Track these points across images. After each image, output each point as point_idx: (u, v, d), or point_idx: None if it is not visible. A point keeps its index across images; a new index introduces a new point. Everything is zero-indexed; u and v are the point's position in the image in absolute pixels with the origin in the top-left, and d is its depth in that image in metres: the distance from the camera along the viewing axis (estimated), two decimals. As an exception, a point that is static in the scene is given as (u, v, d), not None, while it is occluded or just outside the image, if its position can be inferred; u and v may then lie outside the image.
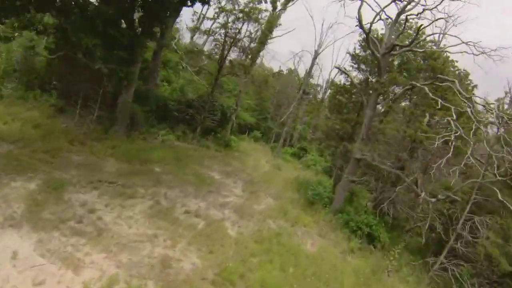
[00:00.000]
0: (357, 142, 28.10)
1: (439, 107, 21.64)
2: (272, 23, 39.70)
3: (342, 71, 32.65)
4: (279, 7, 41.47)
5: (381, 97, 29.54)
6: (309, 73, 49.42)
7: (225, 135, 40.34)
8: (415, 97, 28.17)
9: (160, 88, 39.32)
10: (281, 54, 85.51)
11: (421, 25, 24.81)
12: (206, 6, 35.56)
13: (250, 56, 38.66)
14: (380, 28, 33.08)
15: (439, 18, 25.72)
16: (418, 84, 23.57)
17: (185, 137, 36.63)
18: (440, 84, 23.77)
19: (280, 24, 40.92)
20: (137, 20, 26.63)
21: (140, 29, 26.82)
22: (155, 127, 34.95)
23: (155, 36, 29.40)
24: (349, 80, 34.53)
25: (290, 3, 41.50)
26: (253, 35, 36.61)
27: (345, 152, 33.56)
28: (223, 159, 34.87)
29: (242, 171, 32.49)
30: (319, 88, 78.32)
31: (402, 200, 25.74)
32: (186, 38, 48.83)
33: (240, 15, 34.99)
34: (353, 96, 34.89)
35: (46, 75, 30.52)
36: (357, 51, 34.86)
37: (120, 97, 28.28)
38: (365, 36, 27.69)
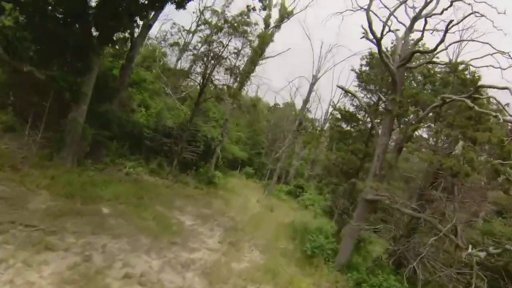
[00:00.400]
0: (368, 178, 21.79)
1: (499, 120, 15.44)
2: (264, 40, 34.17)
3: (346, 91, 26.64)
4: (272, 24, 35.98)
5: (397, 121, 23.47)
6: (306, 101, 43.50)
7: (208, 170, 34.08)
8: (440, 119, 21.95)
9: (137, 113, 33.33)
10: (276, 82, 79.89)
11: (451, 21, 18.96)
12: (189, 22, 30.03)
13: (238, 78, 32.80)
14: (389, 41, 27.30)
15: (471, 14, 19.99)
16: (455, 97, 17.47)
17: (160, 171, 30.60)
18: (480, 97, 17.72)
19: (272, 41, 35.43)
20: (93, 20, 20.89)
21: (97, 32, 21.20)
22: (123, 158, 29.05)
23: (115, 42, 23.58)
24: (354, 103, 28.67)
25: (285, 20, 36.02)
26: (241, 52, 30.70)
27: (351, 191, 27.22)
28: (203, 198, 28.44)
29: (224, 214, 26.03)
30: (317, 124, 72.85)
31: (431, 253, 18.99)
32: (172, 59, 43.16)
33: (226, 28, 29.34)
34: (360, 122, 28.84)
35: (3, 89, 24.83)
36: (363, 69, 29.06)
37: (69, 115, 22.16)
38: (374, 47, 22.01)
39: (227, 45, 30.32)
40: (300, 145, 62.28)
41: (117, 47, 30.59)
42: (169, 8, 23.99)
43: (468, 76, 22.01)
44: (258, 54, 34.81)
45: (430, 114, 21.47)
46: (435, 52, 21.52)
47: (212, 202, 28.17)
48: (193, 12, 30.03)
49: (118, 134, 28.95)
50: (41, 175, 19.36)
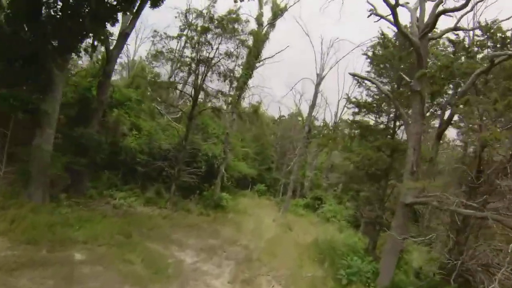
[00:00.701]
0: (405, 178, 17.45)
1: None
2: (258, 38, 30.28)
3: (361, 78, 22.45)
4: (265, 23, 32.10)
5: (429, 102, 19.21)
6: (313, 104, 39.25)
7: (213, 192, 29.85)
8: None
9: (128, 138, 29.34)
10: (278, 91, 75.35)
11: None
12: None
13: (234, 84, 28.78)
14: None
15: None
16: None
17: (158, 200, 26.65)
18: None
19: (268, 38, 31.52)
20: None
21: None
22: (114, 188, 25.38)
23: (77, 51, 19.69)
24: (371, 93, 24.44)
25: (279, 17, 32.10)
26: (234, 53, 26.66)
27: (382, 197, 22.86)
28: (209, 226, 24.18)
29: (235, 243, 21.75)
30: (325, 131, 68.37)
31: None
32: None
33: (213, 28, 25.44)
34: (383, 112, 24.51)
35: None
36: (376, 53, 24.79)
37: (33, 142, 18.26)
38: (384, 27, 18.00)
39: (217, 48, 26.34)
40: (312, 154, 58.00)
41: (96, 63, 26.91)
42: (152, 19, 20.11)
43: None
44: (253, 55, 30.88)
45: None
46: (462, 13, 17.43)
47: (220, 230, 23.87)
48: (176, 17, 25.90)
49: (108, 162, 25.49)
50: (1, 218, 15.39)
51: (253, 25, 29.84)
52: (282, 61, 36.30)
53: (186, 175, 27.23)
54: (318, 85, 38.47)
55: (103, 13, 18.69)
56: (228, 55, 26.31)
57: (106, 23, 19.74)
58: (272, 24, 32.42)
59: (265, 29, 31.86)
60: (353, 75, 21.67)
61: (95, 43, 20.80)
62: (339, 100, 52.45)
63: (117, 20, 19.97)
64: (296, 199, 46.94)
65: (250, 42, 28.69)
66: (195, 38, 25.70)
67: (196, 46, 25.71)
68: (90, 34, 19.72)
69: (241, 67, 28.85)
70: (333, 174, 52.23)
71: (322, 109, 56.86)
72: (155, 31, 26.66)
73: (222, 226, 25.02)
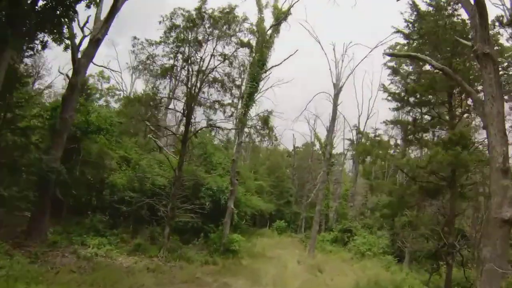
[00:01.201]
0: (492, 181, 11.34)
1: None
2: (262, 43, 25.08)
3: (399, 56, 16.70)
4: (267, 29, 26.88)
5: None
6: (333, 119, 33.24)
7: (221, 234, 23.74)
8: None
9: (114, 174, 23.96)
10: (289, 113, 69.12)
11: None
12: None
13: (238, 95, 23.50)
14: None
15: None
16: None
17: (149, 247, 20.80)
18: None
19: (272, 43, 26.33)
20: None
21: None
22: (92, 233, 20.14)
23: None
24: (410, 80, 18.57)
25: (282, 20, 26.91)
26: (230, 56, 21.21)
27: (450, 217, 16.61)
28: (215, 280, 18.04)
29: (251, 301, 15.54)
30: (342, 159, 62.13)
31: None
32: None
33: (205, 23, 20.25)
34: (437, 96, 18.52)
35: None
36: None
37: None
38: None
39: (212, 54, 20.98)
40: (334, 185, 51.75)
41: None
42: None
43: None
44: (257, 61, 25.53)
45: None
46: None
47: (231, 283, 17.71)
48: (160, 22, 20.58)
49: (93, 202, 22.55)
50: None
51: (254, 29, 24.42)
52: (293, 80, 30.87)
53: (183, 213, 21.32)
54: (336, 96, 32.80)
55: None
56: (224, 57, 20.92)
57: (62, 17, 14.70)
58: (276, 29, 27.11)
59: (268, 33, 26.51)
60: (390, 54, 16.04)
61: (47, 40, 15.48)
62: (359, 116, 46.36)
63: (75, 12, 14.91)
64: (321, 234, 40.46)
65: (251, 42, 23.15)
66: (182, 36, 20.38)
67: (184, 46, 20.35)
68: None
69: (244, 76, 23.39)
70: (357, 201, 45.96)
71: (340, 132, 50.07)
72: (135, 37, 21.34)
73: (233, 277, 18.86)
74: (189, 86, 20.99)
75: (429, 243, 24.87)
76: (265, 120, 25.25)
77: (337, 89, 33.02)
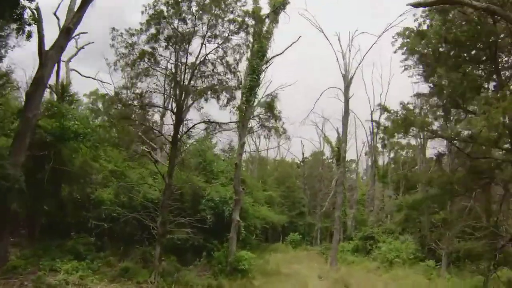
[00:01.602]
0: None
1: None
2: (261, 32, 21.67)
3: (426, 4, 12.94)
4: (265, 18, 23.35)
5: None
6: (346, 114, 29.41)
7: (227, 251, 19.81)
8: None
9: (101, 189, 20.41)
10: (294, 117, 64.31)
11: None
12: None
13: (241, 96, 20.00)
14: None
15: None
16: None
17: (139, 271, 16.94)
18: None
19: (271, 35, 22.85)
20: None
21: None
22: (68, 257, 16.32)
23: None
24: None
25: (280, 8, 23.36)
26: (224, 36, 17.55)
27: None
28: None
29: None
30: (354, 165, 58.09)
31: None
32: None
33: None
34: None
35: None
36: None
37: None
38: None
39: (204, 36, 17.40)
40: (349, 192, 47.62)
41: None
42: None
43: None
44: (257, 50, 22.09)
45: None
46: None
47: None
48: (142, 13, 17.01)
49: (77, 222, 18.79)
50: None
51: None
52: (296, 83, 27.00)
53: (178, 229, 17.56)
54: (347, 89, 29.18)
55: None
56: (215, 36, 17.33)
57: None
58: (274, 19, 23.55)
59: (266, 22, 22.99)
60: (416, 5, 12.34)
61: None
62: (372, 112, 42.23)
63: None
64: (340, 244, 36.30)
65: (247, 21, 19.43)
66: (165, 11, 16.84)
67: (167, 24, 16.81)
68: None
69: (242, 62, 19.70)
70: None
71: (350, 136, 45.65)
72: (113, 29, 17.67)
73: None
74: (176, 73, 17.32)
75: (471, 242, 20.79)
76: (269, 106, 21.50)
77: (347, 81, 29.40)
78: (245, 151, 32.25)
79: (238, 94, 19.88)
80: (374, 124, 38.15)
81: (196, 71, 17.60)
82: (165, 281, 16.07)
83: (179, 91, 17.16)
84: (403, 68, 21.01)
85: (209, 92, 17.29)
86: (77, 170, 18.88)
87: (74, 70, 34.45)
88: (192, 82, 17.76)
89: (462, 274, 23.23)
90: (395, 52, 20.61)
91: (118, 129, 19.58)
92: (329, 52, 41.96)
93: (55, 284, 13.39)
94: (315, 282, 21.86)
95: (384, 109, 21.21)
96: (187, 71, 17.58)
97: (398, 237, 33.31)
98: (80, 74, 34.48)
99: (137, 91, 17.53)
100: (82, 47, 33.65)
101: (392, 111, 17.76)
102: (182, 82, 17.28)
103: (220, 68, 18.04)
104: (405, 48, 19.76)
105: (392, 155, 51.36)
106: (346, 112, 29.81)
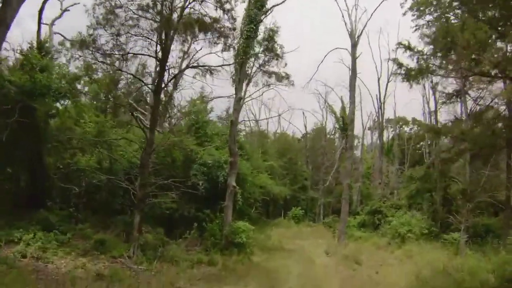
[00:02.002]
0: None
1: None
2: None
3: None
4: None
5: None
6: (353, 75, 26.04)
7: (222, 223, 16.83)
8: None
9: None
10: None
11: None
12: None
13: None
14: None
15: None
16: None
17: (115, 244, 14.04)
18: None
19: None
20: None
21: None
22: (32, 229, 13.36)
23: None
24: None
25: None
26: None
27: None
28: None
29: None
30: (357, 142, 54.66)
31: None
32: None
33: None
34: None
35: None
36: None
37: None
38: None
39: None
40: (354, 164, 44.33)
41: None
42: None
43: None
44: (255, 4, 18.76)
45: None
46: None
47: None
48: None
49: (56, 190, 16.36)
50: None
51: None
52: (299, 48, 23.33)
53: (162, 194, 14.60)
54: (354, 48, 25.78)
55: None
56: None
57: None
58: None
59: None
60: None
61: None
62: (379, 78, 38.98)
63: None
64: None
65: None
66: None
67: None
68: None
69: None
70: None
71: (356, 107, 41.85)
72: None
73: (238, 283, 12.10)
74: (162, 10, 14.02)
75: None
76: (270, 37, 18.27)
77: (354, 40, 25.92)
78: (244, 120, 29.18)
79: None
80: (391, 65, 34.29)
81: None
82: (146, 255, 13.16)
83: (163, 26, 13.84)
84: (414, 28, 17.99)
85: (196, 28, 13.99)
86: (53, 133, 15.95)
87: (58, 33, 30.90)
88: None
89: (483, 251, 20.53)
90: (404, 14, 17.62)
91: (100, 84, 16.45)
92: (333, 13, 38.23)
93: (7, 257, 10.52)
94: (322, 259, 19.03)
95: (406, 47, 17.96)
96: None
97: (406, 212, 30.55)
98: (65, 38, 30.97)
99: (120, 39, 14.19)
100: (67, 9, 30.18)
101: (415, 49, 14.66)
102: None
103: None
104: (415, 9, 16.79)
105: (397, 130, 48.65)
106: (354, 71, 26.32)
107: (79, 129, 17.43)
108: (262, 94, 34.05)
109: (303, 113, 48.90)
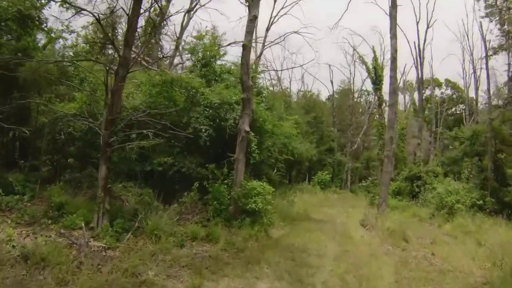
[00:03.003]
0: None
1: None
2: None
3: None
4: None
5: None
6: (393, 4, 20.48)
7: (231, 183, 12.26)
8: None
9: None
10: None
11: None
12: None
13: None
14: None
15: None
16: None
17: (79, 208, 9.84)
18: None
19: None
20: None
21: None
22: None
23: None
24: None
25: None
26: None
27: None
28: (197, 283, 6.71)
29: None
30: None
31: None
32: None
33: None
34: None
35: None
36: None
37: None
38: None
39: None
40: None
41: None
42: None
43: None
44: None
45: None
46: None
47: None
48: None
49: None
50: None
51: None
52: None
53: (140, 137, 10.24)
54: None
55: None
56: None
57: None
58: None
59: None
60: None
61: None
62: (417, 22, 33.18)
63: None
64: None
65: None
66: None
67: None
68: None
69: None
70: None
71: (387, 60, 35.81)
72: None
73: (246, 274, 7.65)
74: None
75: None
76: None
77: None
78: (264, 70, 24.22)
79: None
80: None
81: None
82: (115, 226, 8.83)
83: None
84: None
85: None
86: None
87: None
88: None
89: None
90: None
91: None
92: None
93: None
94: (361, 232, 14.55)
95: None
96: None
97: (442, 181, 25.78)
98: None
99: None
100: None
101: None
102: None
103: None
104: None
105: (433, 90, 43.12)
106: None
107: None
108: (284, 39, 29.69)
109: (329, 66, 43.44)
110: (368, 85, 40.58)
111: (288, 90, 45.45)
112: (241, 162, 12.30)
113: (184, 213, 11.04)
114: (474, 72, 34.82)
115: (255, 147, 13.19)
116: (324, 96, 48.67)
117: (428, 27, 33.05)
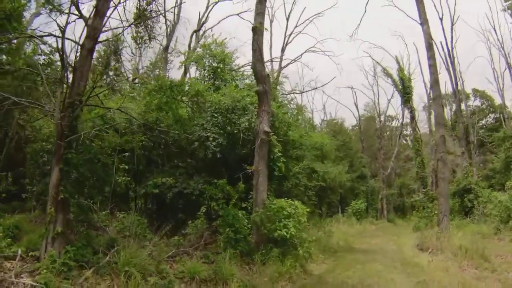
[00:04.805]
0: None
1: None
2: None
3: None
4: None
5: None
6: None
7: (257, 199, 8.74)
8: None
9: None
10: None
11: None
12: None
13: None
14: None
15: None
16: None
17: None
18: None
19: None
20: None
21: None
22: None
23: None
24: None
25: None
26: None
27: None
28: None
29: None
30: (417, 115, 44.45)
31: None
32: None
33: None
34: None
35: None
36: None
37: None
38: None
39: None
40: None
41: None
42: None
43: None
44: None
45: None
46: None
47: None
48: None
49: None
50: None
51: None
52: None
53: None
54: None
55: None
56: None
57: None
58: None
59: None
60: None
61: None
62: (441, 18, 28.15)
63: None
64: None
65: None
66: None
67: None
68: None
69: None
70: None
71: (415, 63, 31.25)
72: None
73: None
74: None
75: None
76: None
77: None
78: (284, 94, 21.10)
79: None
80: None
81: None
82: (63, 257, 5.45)
83: None
84: None
85: None
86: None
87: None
88: None
89: None
90: None
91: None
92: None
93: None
94: (424, 257, 10.79)
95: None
96: None
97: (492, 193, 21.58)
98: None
99: None
100: None
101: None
102: None
103: None
104: None
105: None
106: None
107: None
108: (301, 56, 27.18)
109: (352, 88, 39.85)
110: (396, 102, 36.60)
111: (311, 120, 42.15)
112: (262, 175, 8.84)
113: (186, 246, 7.56)
114: (509, 67, 29.67)
115: (279, 153, 9.54)
116: (348, 123, 45.19)
117: (452, 24, 28.64)
